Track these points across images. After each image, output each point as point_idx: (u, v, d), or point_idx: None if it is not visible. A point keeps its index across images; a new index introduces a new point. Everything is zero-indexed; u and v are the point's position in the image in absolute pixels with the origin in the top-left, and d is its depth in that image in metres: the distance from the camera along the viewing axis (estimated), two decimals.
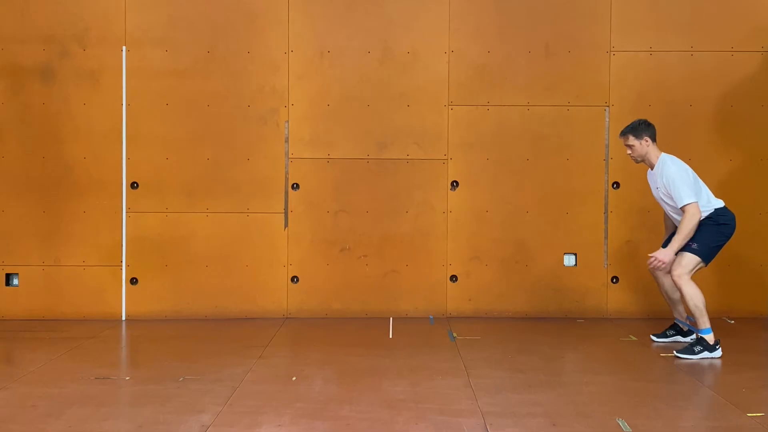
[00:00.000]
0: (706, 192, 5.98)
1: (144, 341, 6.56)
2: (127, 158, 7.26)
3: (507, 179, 7.38)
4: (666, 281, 6.19)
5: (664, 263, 5.82)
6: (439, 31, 7.32)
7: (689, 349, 5.83)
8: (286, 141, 7.31)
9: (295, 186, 7.32)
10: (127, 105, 7.26)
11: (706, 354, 5.78)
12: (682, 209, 5.78)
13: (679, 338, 6.30)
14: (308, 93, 7.32)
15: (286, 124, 7.30)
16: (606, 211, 7.37)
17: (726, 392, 4.91)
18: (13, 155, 7.24)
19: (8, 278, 7.28)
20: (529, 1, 7.34)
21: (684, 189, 5.78)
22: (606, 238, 7.37)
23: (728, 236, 5.97)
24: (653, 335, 6.40)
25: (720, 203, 5.99)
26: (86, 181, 7.25)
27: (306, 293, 7.36)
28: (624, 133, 6.03)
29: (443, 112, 7.34)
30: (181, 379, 5.22)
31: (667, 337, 6.33)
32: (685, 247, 5.84)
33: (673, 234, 6.00)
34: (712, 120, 7.36)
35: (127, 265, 7.28)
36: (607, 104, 7.35)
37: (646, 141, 5.97)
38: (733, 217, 5.99)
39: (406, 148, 7.33)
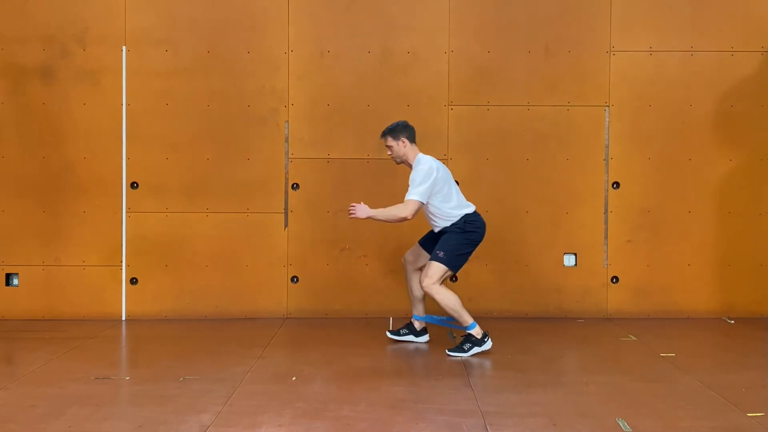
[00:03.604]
0: (457, 198, 6.01)
1: (144, 341, 6.56)
2: (127, 158, 7.26)
3: (507, 179, 7.38)
4: (412, 277, 6.27)
5: (354, 214, 5.84)
6: (439, 31, 7.32)
7: (459, 347, 5.90)
8: (286, 141, 7.31)
9: (295, 186, 7.32)
10: (127, 105, 7.26)
11: (476, 349, 5.88)
12: (405, 200, 5.82)
13: (411, 338, 6.33)
14: (308, 93, 7.32)
15: (286, 124, 7.30)
16: (606, 211, 7.38)
17: (726, 392, 4.91)
18: (13, 155, 7.25)
19: (8, 278, 7.28)
20: (529, 1, 7.34)
21: (418, 186, 5.82)
22: (606, 238, 7.37)
23: (475, 243, 6.02)
24: (388, 331, 6.42)
25: (470, 209, 6.03)
26: (86, 181, 7.25)
27: (306, 293, 7.36)
28: (383, 135, 6.10)
29: (443, 112, 7.35)
30: (181, 379, 5.22)
31: (399, 335, 6.36)
32: (433, 256, 5.91)
33: (433, 234, 6.12)
34: (712, 120, 7.37)
35: (127, 265, 7.28)
36: (607, 104, 7.35)
37: (403, 142, 6.04)
38: (482, 224, 6.03)
39: None
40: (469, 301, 7.36)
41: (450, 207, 5.96)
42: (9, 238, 7.25)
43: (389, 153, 6.14)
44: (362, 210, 5.85)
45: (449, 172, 6.10)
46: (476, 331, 5.91)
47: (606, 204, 7.37)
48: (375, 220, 5.93)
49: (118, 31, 7.25)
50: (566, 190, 7.37)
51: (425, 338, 6.36)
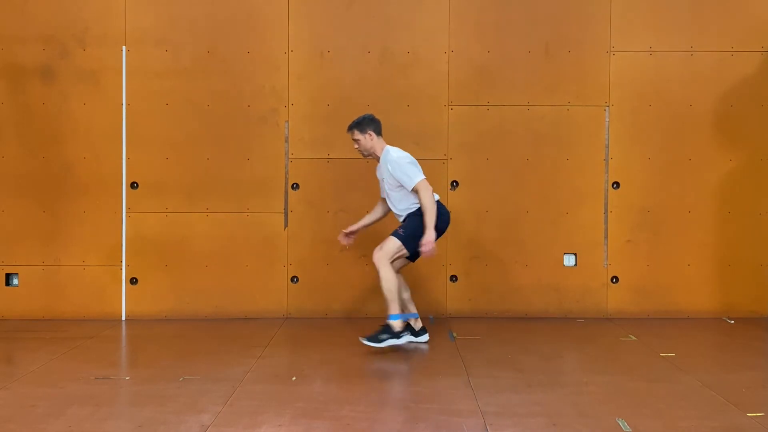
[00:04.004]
0: None
1: (144, 341, 6.56)
2: (127, 158, 7.26)
3: (507, 179, 7.38)
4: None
5: (431, 249, 5.86)
6: (438, 31, 7.32)
7: (375, 337, 5.91)
8: (286, 141, 7.31)
9: (295, 186, 7.32)
10: (127, 105, 7.26)
11: (392, 341, 5.91)
12: (414, 190, 5.90)
13: (411, 338, 6.30)
14: (308, 93, 7.32)
15: (286, 124, 7.30)
16: (606, 211, 7.38)
17: (726, 392, 4.91)
18: (13, 155, 7.25)
19: (8, 278, 7.28)
20: (529, 1, 7.34)
21: (411, 168, 5.94)
22: (606, 238, 7.37)
23: (439, 230, 6.02)
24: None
25: (435, 198, 6.08)
26: (86, 181, 7.25)
27: (306, 293, 7.36)
28: (350, 128, 6.15)
29: (443, 112, 7.35)
30: (181, 379, 5.22)
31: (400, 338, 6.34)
32: (393, 232, 5.99)
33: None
34: (712, 120, 7.37)
35: (127, 265, 7.28)
36: (607, 104, 7.35)
37: (370, 135, 6.09)
38: (445, 212, 6.12)
39: (405, 148, 7.26)
40: (469, 301, 7.37)
41: (414, 196, 6.00)
42: (9, 238, 7.25)
43: (356, 146, 6.18)
44: (430, 237, 5.84)
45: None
46: (397, 324, 5.92)
47: (606, 204, 7.37)
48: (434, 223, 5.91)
49: (118, 31, 7.25)
50: (566, 190, 7.37)
51: (425, 338, 6.35)
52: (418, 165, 6.07)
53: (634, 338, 6.51)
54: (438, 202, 6.09)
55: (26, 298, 7.25)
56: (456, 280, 7.38)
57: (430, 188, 5.94)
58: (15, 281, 7.28)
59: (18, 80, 7.23)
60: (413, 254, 6.12)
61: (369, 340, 5.90)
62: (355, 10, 7.33)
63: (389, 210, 6.33)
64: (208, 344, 6.30)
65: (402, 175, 5.95)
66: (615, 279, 7.38)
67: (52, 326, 6.96)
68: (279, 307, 7.36)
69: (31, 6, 7.22)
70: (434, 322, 7.16)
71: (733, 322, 7.21)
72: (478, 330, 6.80)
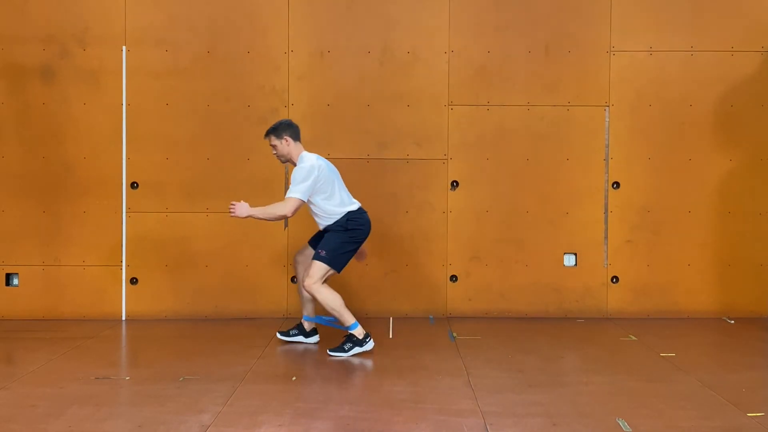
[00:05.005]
0: (340, 196, 5.99)
1: (144, 341, 6.56)
2: (127, 158, 7.26)
3: (507, 179, 7.38)
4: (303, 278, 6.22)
5: (234, 213, 5.76)
6: (439, 31, 7.32)
7: (340, 347, 5.91)
8: None
9: None
10: (127, 105, 7.26)
11: (357, 349, 5.90)
12: (286, 198, 5.82)
13: (301, 338, 6.30)
14: (308, 93, 7.32)
15: None
16: (606, 211, 7.38)
17: (726, 392, 4.92)
18: (13, 155, 7.25)
19: (8, 278, 7.28)
20: (529, 1, 7.34)
21: (299, 184, 5.81)
22: (606, 237, 7.37)
23: (359, 241, 6.01)
24: (279, 332, 6.39)
25: (354, 206, 6.01)
26: (86, 181, 7.25)
27: None
28: (267, 134, 6.07)
29: (443, 112, 7.35)
30: (181, 379, 5.22)
31: (289, 336, 6.33)
32: (315, 255, 5.91)
33: (320, 232, 6.09)
34: (712, 120, 7.37)
35: (127, 265, 7.28)
36: (607, 104, 7.35)
37: (286, 140, 5.99)
38: (365, 222, 6.03)
39: (406, 148, 7.33)
40: (469, 300, 7.37)
41: (332, 205, 5.94)
42: (9, 238, 7.25)
43: (274, 152, 6.09)
44: (242, 208, 5.79)
45: (335, 169, 6.09)
46: (358, 332, 5.91)
47: (606, 204, 7.37)
48: (255, 218, 5.90)
49: (118, 31, 7.25)
50: (566, 190, 7.37)
51: (315, 339, 6.34)
52: (310, 184, 5.81)
53: (634, 338, 6.51)
54: (359, 209, 6.01)
55: (26, 298, 7.25)
56: (456, 280, 7.38)
57: (288, 212, 5.77)
58: (15, 281, 7.28)
59: (18, 80, 7.23)
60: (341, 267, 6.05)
61: (335, 351, 5.90)
62: (356, 10, 7.33)
63: None
64: (208, 344, 6.30)
65: (292, 181, 5.85)
66: (615, 279, 7.38)
67: (52, 326, 6.96)
68: (279, 307, 7.36)
69: (31, 6, 7.22)
70: (434, 322, 7.16)
71: (733, 322, 7.21)
72: (478, 330, 6.80)
